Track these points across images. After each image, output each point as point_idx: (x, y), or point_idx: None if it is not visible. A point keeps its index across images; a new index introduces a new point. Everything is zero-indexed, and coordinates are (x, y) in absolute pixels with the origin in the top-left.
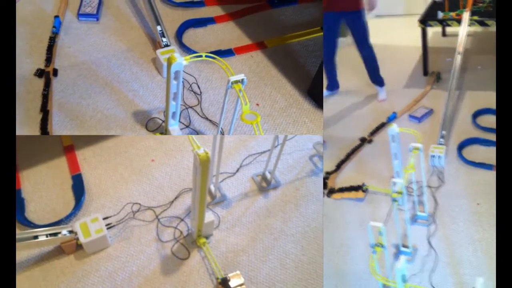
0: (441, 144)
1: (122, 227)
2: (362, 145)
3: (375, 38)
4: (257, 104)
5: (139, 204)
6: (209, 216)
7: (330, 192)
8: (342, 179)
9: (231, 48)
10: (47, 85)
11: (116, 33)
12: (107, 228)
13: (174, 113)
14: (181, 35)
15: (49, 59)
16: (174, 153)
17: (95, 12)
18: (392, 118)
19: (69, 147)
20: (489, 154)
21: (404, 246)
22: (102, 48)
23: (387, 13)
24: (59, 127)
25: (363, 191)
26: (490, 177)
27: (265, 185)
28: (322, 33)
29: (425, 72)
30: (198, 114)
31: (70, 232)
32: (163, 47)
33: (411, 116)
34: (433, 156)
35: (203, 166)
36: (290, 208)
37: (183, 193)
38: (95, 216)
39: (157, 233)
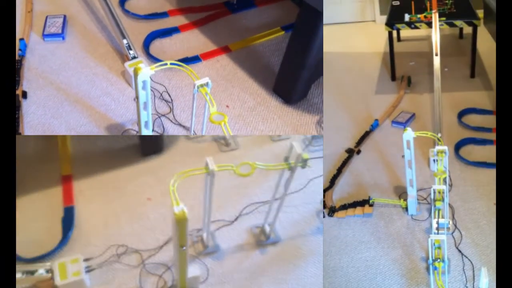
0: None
1: (105, 269)
2: (351, 157)
3: (331, 46)
4: (227, 106)
5: (126, 246)
6: (194, 270)
7: (332, 210)
8: (339, 196)
9: (197, 54)
10: (17, 108)
11: (83, 50)
12: (87, 271)
13: (146, 122)
14: (148, 46)
15: (17, 82)
16: None
17: (60, 31)
18: (375, 125)
19: (67, 177)
20: (486, 153)
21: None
22: (70, 66)
23: (333, 21)
24: None
25: (370, 205)
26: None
27: (263, 238)
28: (282, 33)
29: (393, 77)
30: (171, 121)
31: (48, 271)
32: (131, 60)
33: (395, 122)
34: (435, 160)
35: (179, 225)
36: (288, 269)
37: None
38: (76, 257)
39: (140, 280)
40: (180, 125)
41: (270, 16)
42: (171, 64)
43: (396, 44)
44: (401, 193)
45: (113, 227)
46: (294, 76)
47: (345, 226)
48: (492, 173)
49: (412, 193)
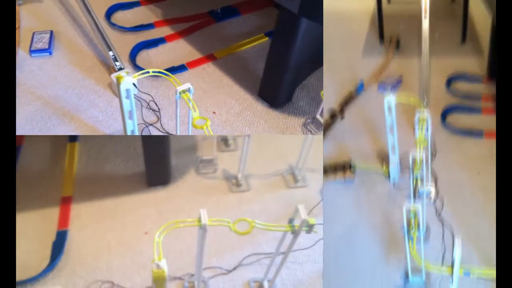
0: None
1: None
2: (335, 122)
3: None
4: (214, 112)
5: (112, 282)
6: None
7: None
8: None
9: (183, 63)
10: None
11: (71, 64)
12: None
13: (132, 131)
14: (134, 57)
15: None
16: (171, 230)
17: (47, 46)
18: (360, 89)
19: (67, 198)
20: (473, 121)
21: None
22: (58, 81)
23: None
24: None
25: (352, 171)
26: (482, 145)
27: None
28: (266, 39)
29: (382, 39)
30: (159, 130)
31: None
32: (117, 71)
33: (381, 87)
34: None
35: (156, 284)
36: None
37: None
38: None
39: None
40: (168, 133)
41: (254, 23)
42: (153, 72)
43: (385, 6)
44: (384, 159)
45: (103, 259)
46: (277, 80)
47: (325, 192)
48: (477, 143)
49: (394, 159)
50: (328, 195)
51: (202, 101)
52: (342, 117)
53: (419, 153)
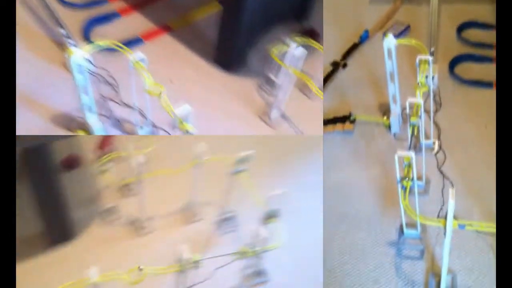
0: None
1: None
2: (337, 70)
3: None
4: (171, 81)
5: None
6: None
7: None
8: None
9: (139, 36)
10: None
11: (22, 48)
12: None
13: (89, 107)
14: (88, 33)
15: None
16: None
17: None
18: (364, 37)
19: None
20: (484, 71)
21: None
22: None
23: None
24: None
25: (351, 122)
26: (491, 97)
27: None
28: (220, 7)
29: None
30: (118, 103)
31: None
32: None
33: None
34: (426, 76)
35: None
36: None
37: None
38: None
39: None
40: (126, 105)
41: None
42: (105, 45)
43: None
44: (386, 111)
45: None
46: (230, 44)
47: (324, 142)
48: (487, 94)
49: (395, 110)
50: (327, 146)
51: (159, 72)
52: (344, 66)
53: (415, 99)
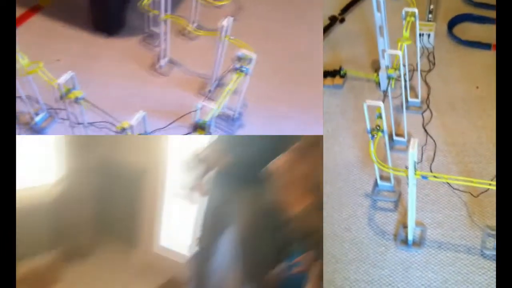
0: (429, 20)
1: None
2: (333, 25)
3: None
4: (58, 60)
5: None
6: None
7: None
8: None
9: None
10: None
11: None
12: None
13: None
14: None
15: None
16: None
17: None
18: None
19: None
20: (484, 32)
21: (398, 135)
22: None
23: None
24: None
25: (341, 76)
26: (488, 58)
27: None
28: None
29: None
30: None
31: None
32: None
33: None
34: (421, 35)
35: None
36: None
37: None
38: None
39: None
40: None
41: None
42: None
43: None
44: (378, 68)
45: None
46: (104, 7)
47: None
48: (483, 55)
49: (384, 64)
50: None
51: (42, 55)
52: (342, 21)
53: (394, 51)
